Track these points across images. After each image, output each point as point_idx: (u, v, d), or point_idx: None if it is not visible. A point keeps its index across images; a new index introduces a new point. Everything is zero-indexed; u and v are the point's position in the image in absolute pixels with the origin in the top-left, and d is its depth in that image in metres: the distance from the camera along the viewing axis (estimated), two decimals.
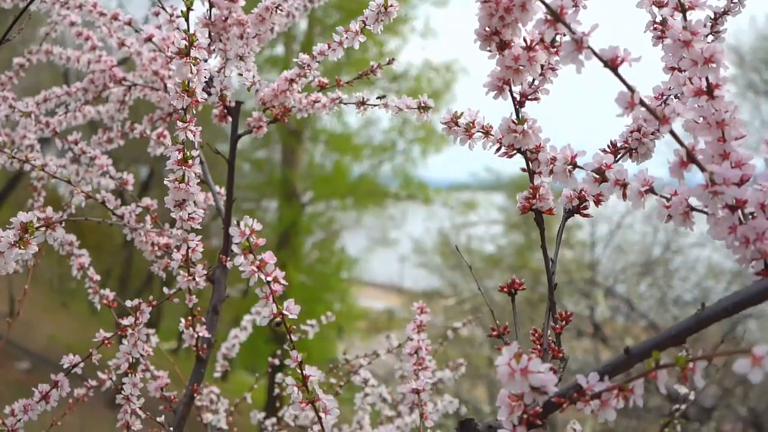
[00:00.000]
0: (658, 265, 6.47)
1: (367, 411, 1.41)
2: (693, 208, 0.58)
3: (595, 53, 0.54)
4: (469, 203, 11.28)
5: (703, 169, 0.54)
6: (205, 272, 0.97)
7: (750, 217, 0.55)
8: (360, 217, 12.29)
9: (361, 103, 1.00)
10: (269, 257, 0.66)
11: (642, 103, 0.54)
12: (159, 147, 1.25)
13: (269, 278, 0.66)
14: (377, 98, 1.00)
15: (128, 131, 1.27)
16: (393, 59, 1.06)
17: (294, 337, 0.70)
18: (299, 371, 0.69)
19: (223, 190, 1.19)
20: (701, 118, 0.57)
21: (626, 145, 0.73)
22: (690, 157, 0.55)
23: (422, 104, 0.89)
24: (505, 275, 8.03)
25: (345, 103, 1.02)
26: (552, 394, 0.56)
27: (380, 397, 1.44)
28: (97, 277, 1.16)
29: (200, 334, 1.02)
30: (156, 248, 1.08)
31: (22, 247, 0.72)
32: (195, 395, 1.04)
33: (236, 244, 0.65)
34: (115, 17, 1.14)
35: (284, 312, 0.67)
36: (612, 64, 0.54)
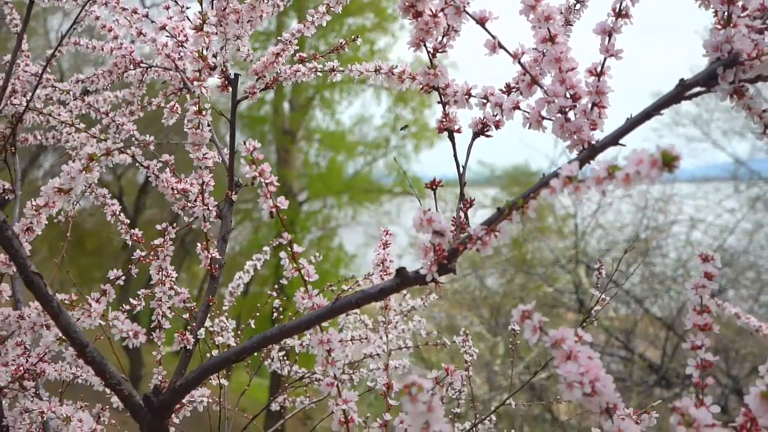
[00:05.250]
0: (641, 243, 6.78)
1: (349, 329, 1.71)
2: (543, 117, 0.87)
3: (469, 14, 0.83)
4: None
5: (541, 87, 0.83)
6: (216, 204, 1.26)
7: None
8: (356, 214, 12.59)
9: (332, 70, 1.29)
10: (267, 167, 0.95)
11: (500, 45, 0.83)
12: (172, 117, 1.54)
13: (267, 181, 0.95)
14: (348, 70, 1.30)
15: (147, 104, 1.56)
16: (357, 36, 1.35)
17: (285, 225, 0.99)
18: (290, 248, 0.98)
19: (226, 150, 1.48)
20: (544, 56, 0.87)
21: (517, 86, 1.02)
22: (533, 81, 0.84)
23: (377, 68, 1.18)
24: (501, 264, 8.36)
25: (320, 71, 1.31)
26: (454, 243, 0.85)
27: (363, 324, 1.73)
28: (127, 221, 1.45)
29: (213, 256, 1.31)
30: (174, 192, 1.37)
31: (88, 172, 1.00)
32: (210, 304, 1.33)
33: (243, 156, 0.94)
34: (134, 11, 1.43)
35: (278, 204, 0.96)
36: (481, 21, 0.83)
